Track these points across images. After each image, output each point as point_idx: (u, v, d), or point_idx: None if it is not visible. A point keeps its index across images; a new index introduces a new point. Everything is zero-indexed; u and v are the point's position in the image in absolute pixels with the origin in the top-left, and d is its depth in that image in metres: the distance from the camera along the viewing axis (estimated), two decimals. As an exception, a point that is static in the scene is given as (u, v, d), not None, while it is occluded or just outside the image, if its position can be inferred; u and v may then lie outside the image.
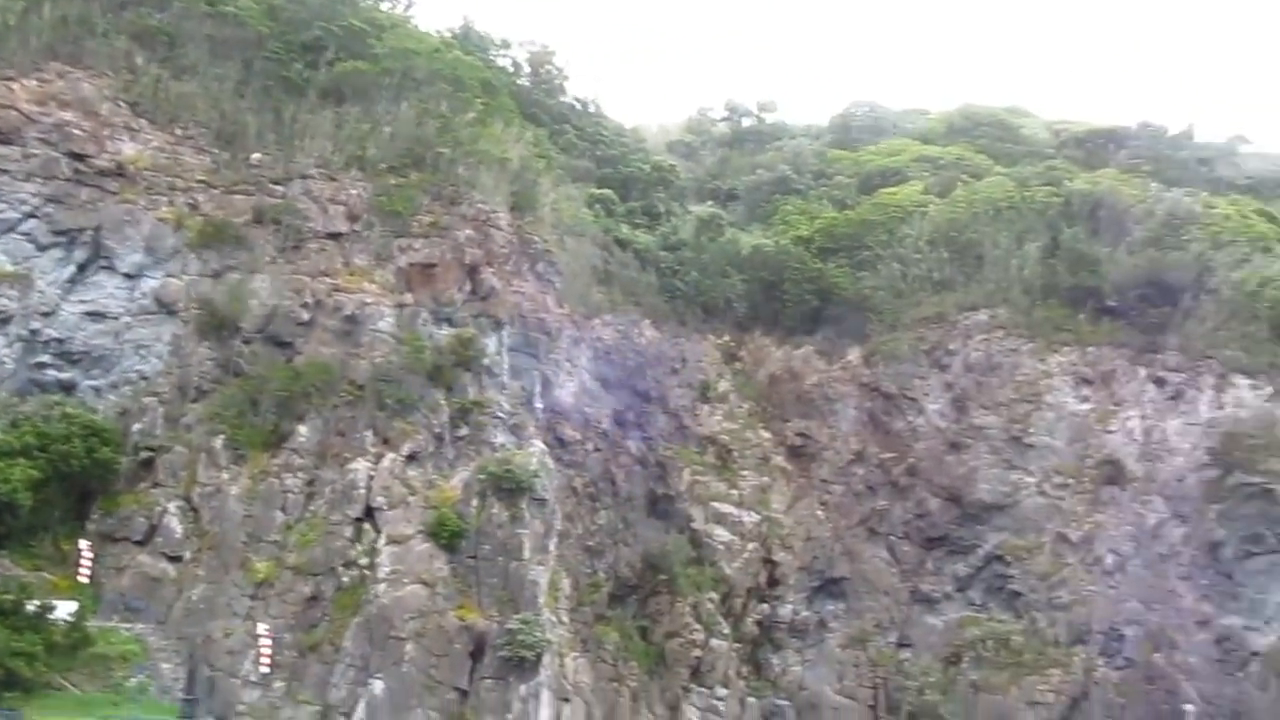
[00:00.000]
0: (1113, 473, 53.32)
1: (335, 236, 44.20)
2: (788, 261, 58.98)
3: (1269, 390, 53.84)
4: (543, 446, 41.62)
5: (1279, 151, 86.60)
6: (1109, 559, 52.04)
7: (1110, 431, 54.53)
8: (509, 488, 37.77)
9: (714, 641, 48.71)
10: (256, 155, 44.89)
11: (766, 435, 54.95)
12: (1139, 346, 56.44)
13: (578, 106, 68.45)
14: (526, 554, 37.10)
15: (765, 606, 51.74)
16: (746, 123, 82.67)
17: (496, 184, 46.73)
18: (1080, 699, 49.56)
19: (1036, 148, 77.62)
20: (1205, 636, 50.16)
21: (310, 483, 38.33)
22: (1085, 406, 55.15)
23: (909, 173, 69.28)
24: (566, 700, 39.06)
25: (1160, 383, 55.57)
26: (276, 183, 44.51)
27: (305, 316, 41.40)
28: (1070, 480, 53.71)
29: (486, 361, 42.16)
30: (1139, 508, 52.89)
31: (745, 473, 53.32)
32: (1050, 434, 54.62)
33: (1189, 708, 48.29)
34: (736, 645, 49.90)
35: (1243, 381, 54.39)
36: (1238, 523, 51.57)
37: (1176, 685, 48.86)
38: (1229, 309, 56.39)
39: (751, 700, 49.56)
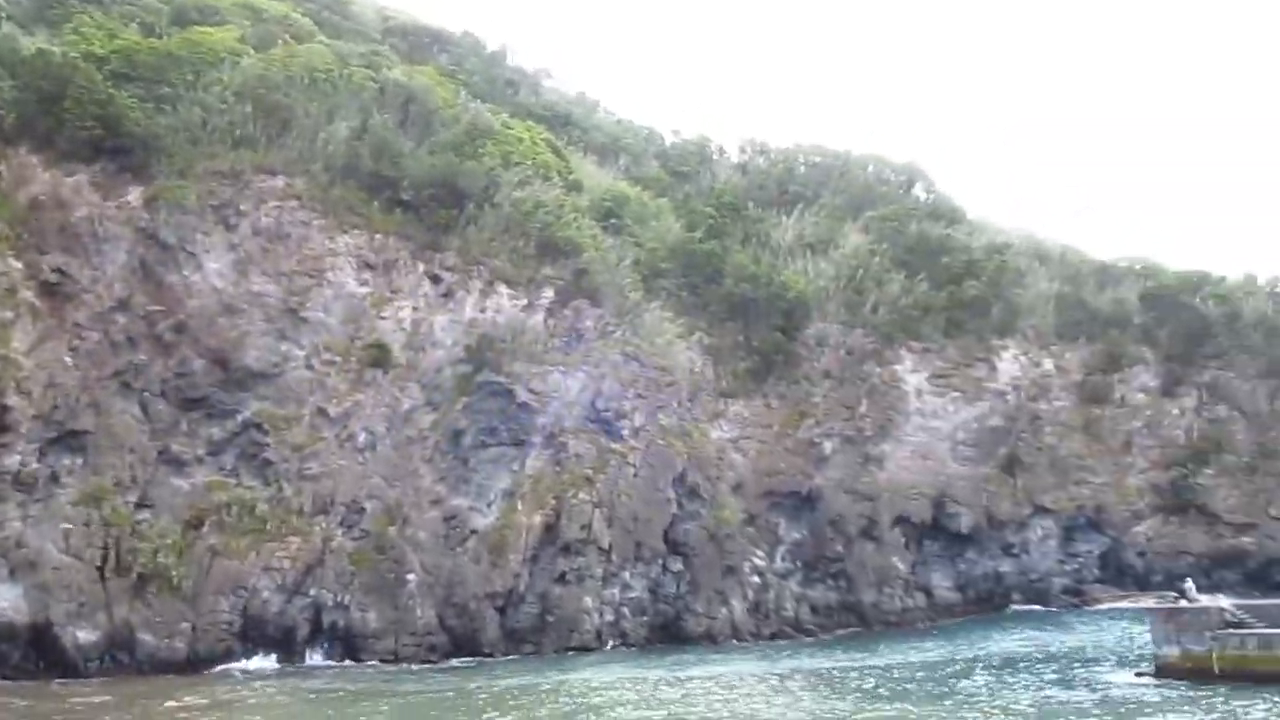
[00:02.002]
0: (379, 356, 55.60)
1: None
2: (74, 78, 52.38)
3: (524, 302, 59.77)
4: None
5: (574, 92, 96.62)
6: (362, 437, 54.36)
7: (383, 318, 56.75)
8: None
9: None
10: None
11: (17, 265, 48.52)
12: (423, 242, 59.30)
13: None
14: None
15: (-12, 455, 46.21)
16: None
17: None
18: (315, 566, 51.35)
19: (363, 28, 77.87)
20: (435, 514, 54.68)
21: None
22: (364, 290, 56.75)
23: (228, 16, 65.43)
24: None
25: (436, 280, 58.96)
26: None
27: None
28: (338, 358, 55.01)
29: None
30: (397, 392, 55.84)
31: (-15, 304, 46.88)
32: (326, 311, 55.41)
33: (411, 576, 52.43)
34: (-54, 497, 44.10)
35: (505, 290, 59.68)
36: (480, 416, 56.78)
37: (404, 556, 52.65)
38: (505, 223, 61.33)
39: (-46, 561, 44.23)
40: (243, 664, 48.41)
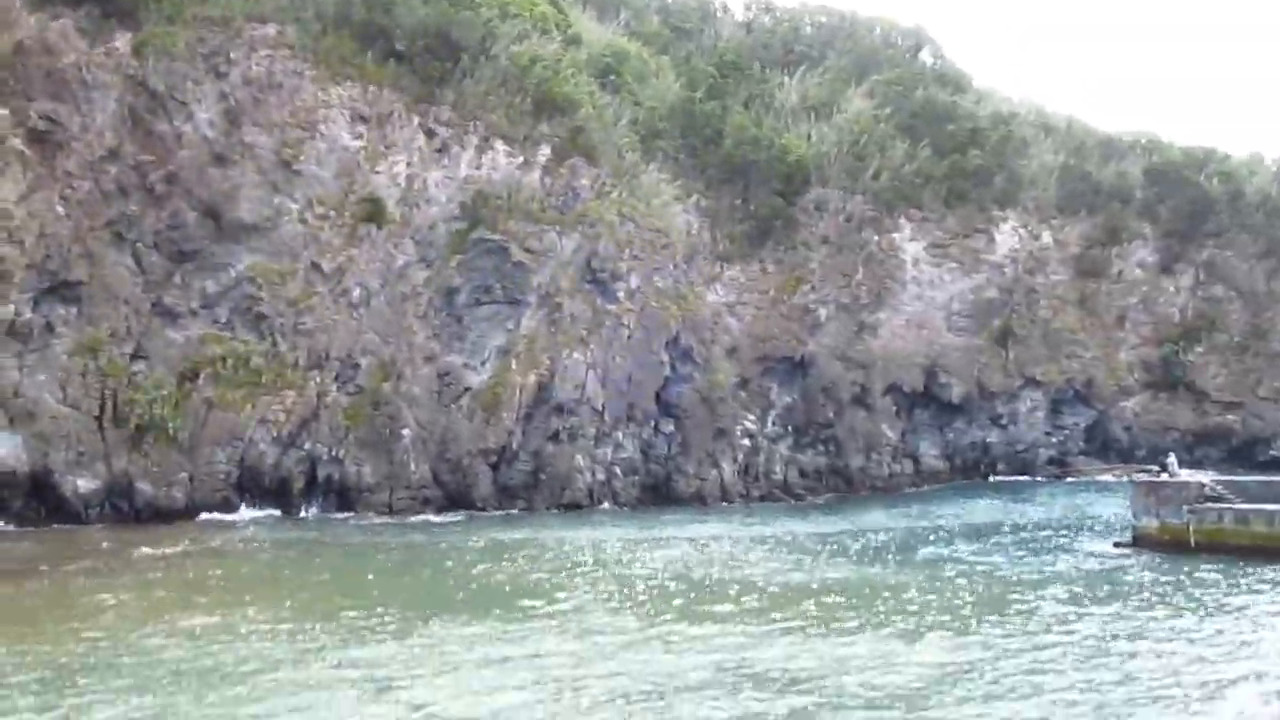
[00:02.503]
0: (372, 211, 55.12)
1: None
2: (55, -84, 50.62)
3: (521, 159, 58.97)
4: None
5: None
6: (356, 292, 54.30)
7: (377, 172, 56.06)
8: None
9: (-94, 339, 42.66)
10: None
11: (4, 112, 47.41)
12: (417, 95, 58.12)
13: None
14: None
15: (-16, 305, 46.17)
16: None
17: None
18: (310, 419, 51.98)
19: None
20: (429, 371, 55.05)
21: None
22: (357, 143, 55.89)
23: None
24: None
25: (430, 134, 58.03)
26: None
27: None
28: (332, 213, 54.56)
29: None
30: (391, 248, 55.57)
31: (-27, 154, 46.07)
32: (320, 164, 54.66)
33: (406, 431, 53.10)
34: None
35: (501, 147, 58.83)
36: (474, 274, 56.63)
37: (399, 412, 53.21)
38: (502, 78, 60.06)
39: (-53, 409, 44.62)
40: (240, 514, 49.40)
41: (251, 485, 50.66)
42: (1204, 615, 27.65)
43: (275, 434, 51.02)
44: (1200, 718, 18.58)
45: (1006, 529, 46.66)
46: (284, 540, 42.85)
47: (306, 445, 51.82)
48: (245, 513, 49.65)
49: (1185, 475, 42.49)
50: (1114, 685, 20.74)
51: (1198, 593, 30.62)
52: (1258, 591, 30.52)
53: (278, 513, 50.20)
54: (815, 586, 32.06)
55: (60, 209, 48.42)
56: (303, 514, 50.85)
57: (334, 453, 52.14)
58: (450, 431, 54.38)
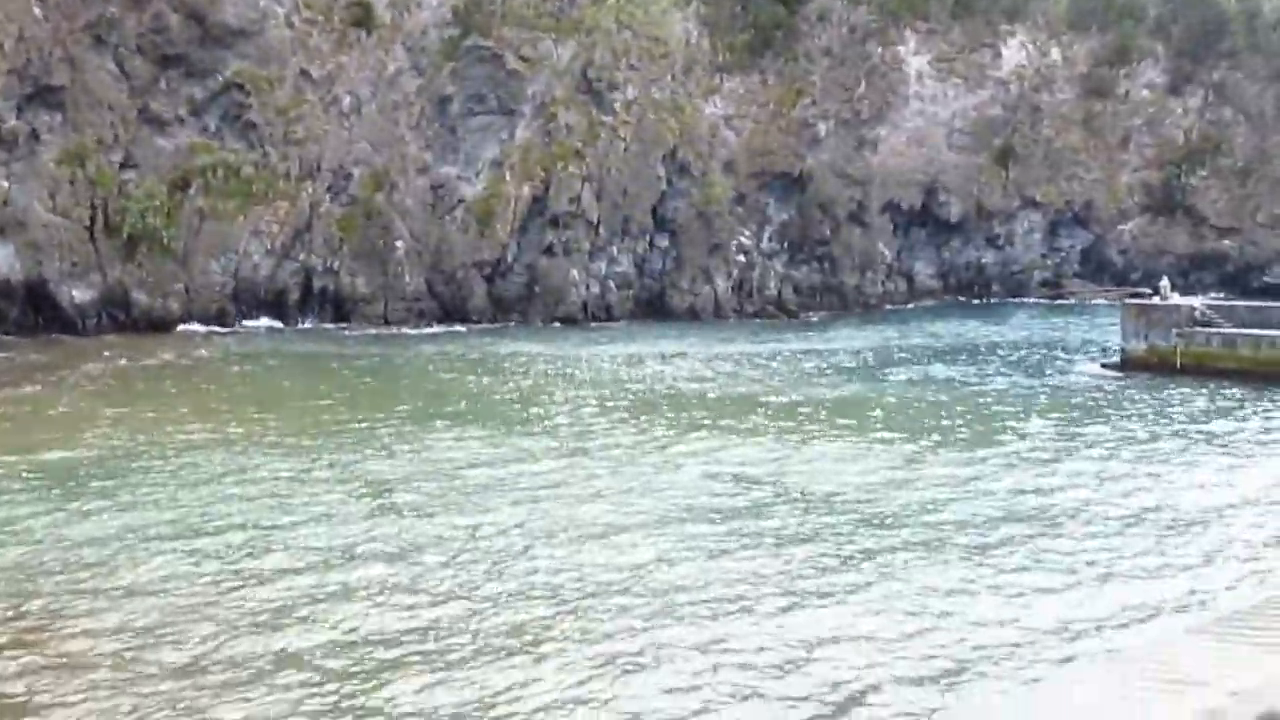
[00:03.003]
0: (362, 16, 53.26)
1: None
2: None
3: (517, -38, 56.73)
4: None
5: None
6: (346, 101, 53.10)
7: (366, -26, 54.09)
8: None
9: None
10: None
11: (-27, -96, 45.57)
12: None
13: None
14: None
15: (-35, 110, 45.10)
16: None
17: None
18: (303, 230, 51.69)
19: None
20: (422, 182, 54.42)
21: None
22: (345, -58, 53.78)
23: None
24: None
25: (421, -67, 55.72)
26: None
27: None
28: (320, 17, 52.75)
29: None
30: (381, 55, 54.02)
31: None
32: (306, -36, 52.73)
33: (399, 243, 52.89)
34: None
35: (496, -51, 56.51)
36: (468, 82, 55.29)
37: (392, 223, 52.90)
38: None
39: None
40: (237, 325, 49.60)
41: (247, 296, 50.74)
42: (1187, 438, 28.23)
43: (269, 245, 50.80)
44: (1189, 539, 19.08)
45: (997, 349, 47.16)
46: (280, 351, 43.22)
47: (300, 256, 51.68)
48: (242, 324, 49.88)
49: (1177, 299, 42.65)
50: (1096, 504, 21.29)
51: (1180, 415, 31.20)
52: (1241, 416, 31.09)
53: (274, 324, 50.49)
54: (806, 401, 32.59)
55: (37, 10, 46.67)
56: (299, 325, 51.13)
57: (328, 264, 52.07)
58: (444, 243, 54.18)
